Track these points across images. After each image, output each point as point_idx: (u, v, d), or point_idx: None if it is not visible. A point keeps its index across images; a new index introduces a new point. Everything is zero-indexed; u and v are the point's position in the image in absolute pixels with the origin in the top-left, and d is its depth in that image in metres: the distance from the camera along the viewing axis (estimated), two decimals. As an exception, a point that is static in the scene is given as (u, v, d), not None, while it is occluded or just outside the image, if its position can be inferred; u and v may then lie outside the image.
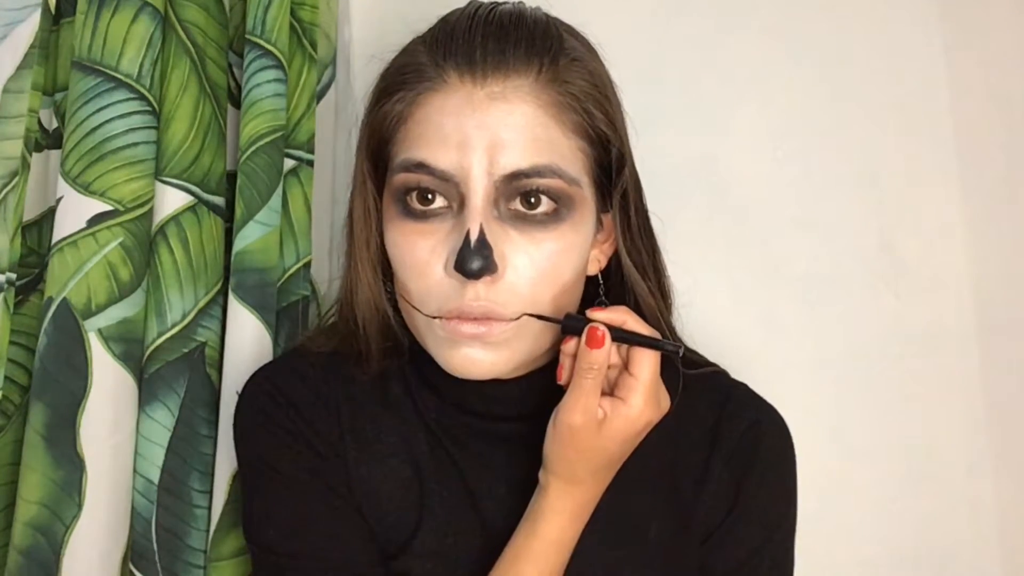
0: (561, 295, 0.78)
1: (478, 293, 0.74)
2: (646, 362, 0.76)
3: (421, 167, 0.75)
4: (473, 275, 0.73)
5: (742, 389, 0.88)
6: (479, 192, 0.74)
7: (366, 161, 0.82)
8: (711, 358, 0.90)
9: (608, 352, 0.75)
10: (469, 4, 0.81)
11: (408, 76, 0.78)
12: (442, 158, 0.75)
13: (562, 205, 0.76)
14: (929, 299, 1.15)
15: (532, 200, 0.75)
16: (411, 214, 0.77)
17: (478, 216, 0.74)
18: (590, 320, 0.76)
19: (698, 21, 1.17)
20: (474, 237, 0.73)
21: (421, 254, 0.76)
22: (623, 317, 0.77)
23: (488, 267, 0.73)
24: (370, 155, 0.82)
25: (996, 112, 1.15)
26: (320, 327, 0.93)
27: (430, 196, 0.76)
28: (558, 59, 0.77)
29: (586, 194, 0.78)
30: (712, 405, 0.86)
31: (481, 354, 0.75)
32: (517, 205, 0.75)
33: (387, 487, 0.83)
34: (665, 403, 0.78)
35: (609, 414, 0.76)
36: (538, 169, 0.75)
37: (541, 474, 0.79)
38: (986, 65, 1.15)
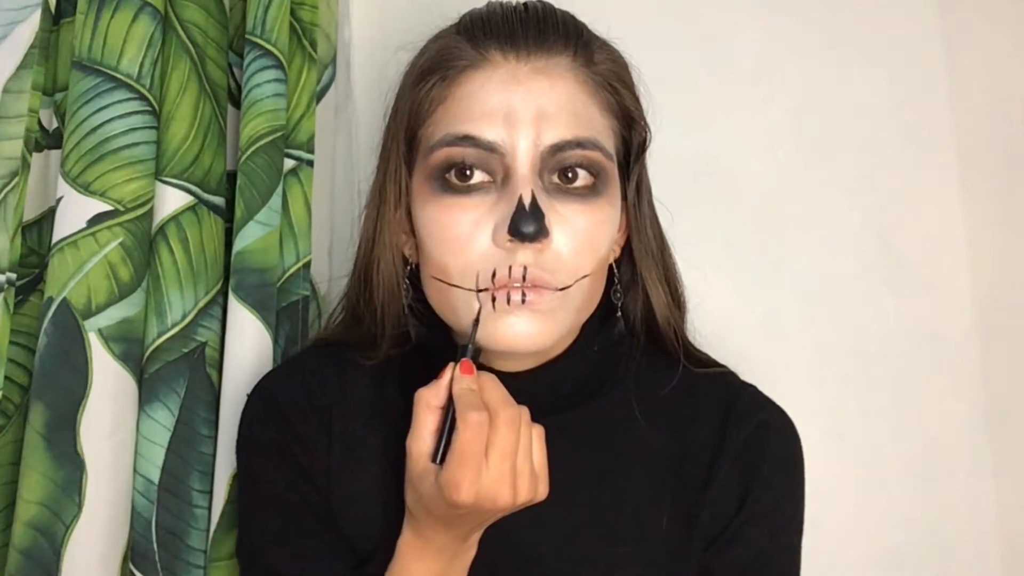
0: (598, 269, 0.79)
1: (528, 259, 0.75)
2: (458, 432, 0.70)
3: (467, 140, 0.76)
4: (529, 237, 0.73)
5: (751, 390, 0.87)
6: (526, 162, 0.76)
7: (402, 144, 0.82)
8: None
9: (440, 392, 0.72)
10: (489, 3, 0.83)
11: (446, 57, 0.80)
12: (488, 130, 0.76)
13: (599, 180, 0.78)
14: (929, 299, 1.15)
15: (570, 175, 0.77)
16: (451, 189, 0.77)
17: (528, 183, 0.75)
18: (462, 359, 0.73)
19: (699, 21, 1.17)
20: (527, 201, 0.74)
21: (463, 228, 0.76)
22: (484, 385, 0.72)
23: (542, 230, 0.74)
24: (406, 137, 0.82)
25: (996, 112, 1.15)
26: (330, 321, 0.93)
27: (468, 172, 0.77)
28: (590, 43, 0.81)
29: (616, 172, 0.81)
30: (720, 406, 0.85)
31: (528, 325, 0.75)
32: (556, 179, 0.77)
33: (368, 491, 0.83)
34: (494, 502, 0.69)
35: (436, 469, 0.71)
36: (580, 141, 0.77)
37: None
38: (986, 65, 1.15)
